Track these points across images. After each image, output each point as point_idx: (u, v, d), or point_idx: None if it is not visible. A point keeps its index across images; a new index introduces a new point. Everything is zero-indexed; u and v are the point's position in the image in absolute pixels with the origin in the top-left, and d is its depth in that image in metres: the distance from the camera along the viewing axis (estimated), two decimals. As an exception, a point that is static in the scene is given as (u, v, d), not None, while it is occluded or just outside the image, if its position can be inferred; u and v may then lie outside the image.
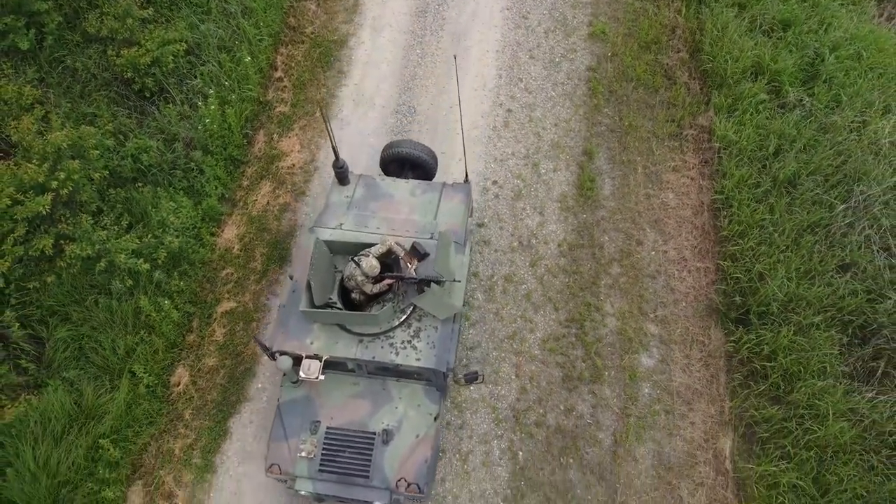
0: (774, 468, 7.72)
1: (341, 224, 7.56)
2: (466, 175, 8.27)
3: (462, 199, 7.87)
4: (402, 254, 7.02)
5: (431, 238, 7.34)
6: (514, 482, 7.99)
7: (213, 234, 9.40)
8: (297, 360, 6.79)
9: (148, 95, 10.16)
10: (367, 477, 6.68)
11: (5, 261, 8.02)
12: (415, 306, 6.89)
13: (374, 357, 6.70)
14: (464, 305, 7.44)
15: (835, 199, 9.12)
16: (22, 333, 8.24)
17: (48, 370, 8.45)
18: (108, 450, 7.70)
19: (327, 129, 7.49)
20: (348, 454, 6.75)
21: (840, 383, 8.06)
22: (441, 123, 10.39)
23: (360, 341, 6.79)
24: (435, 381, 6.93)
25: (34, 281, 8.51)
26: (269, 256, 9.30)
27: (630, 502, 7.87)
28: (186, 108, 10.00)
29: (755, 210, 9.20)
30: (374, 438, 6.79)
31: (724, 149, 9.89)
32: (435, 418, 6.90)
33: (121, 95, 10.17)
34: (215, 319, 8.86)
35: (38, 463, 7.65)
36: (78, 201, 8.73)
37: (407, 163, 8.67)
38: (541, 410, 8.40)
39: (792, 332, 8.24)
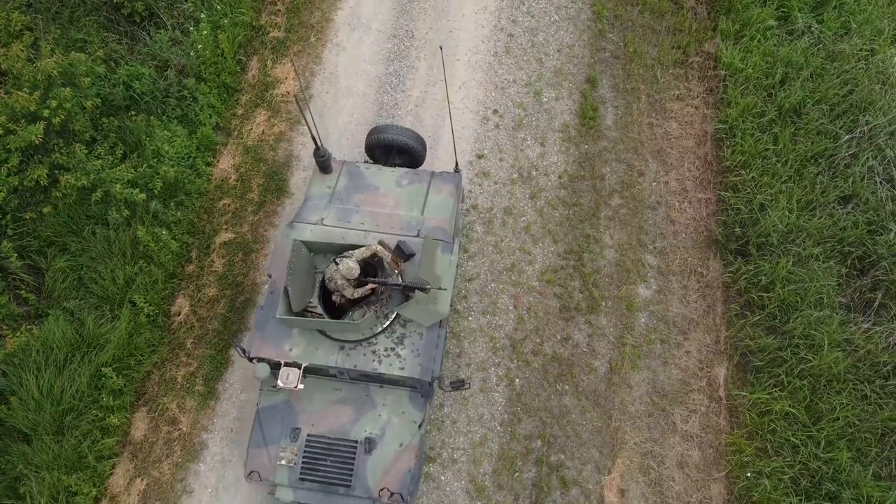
0: (767, 396, 7.86)
1: (322, 219, 7.07)
2: (457, 164, 7.74)
3: (451, 191, 7.36)
4: (387, 257, 6.60)
5: (417, 236, 6.92)
6: (511, 407, 8.15)
7: (208, 165, 9.28)
8: (277, 366, 6.48)
9: (138, 20, 9.85)
10: (349, 486, 6.49)
11: (0, 191, 7.94)
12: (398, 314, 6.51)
13: (355, 365, 6.38)
14: (451, 307, 6.93)
15: (840, 129, 8.97)
16: (20, 264, 8.25)
17: (48, 300, 8.50)
18: (111, 378, 7.81)
19: (306, 120, 7.04)
20: (330, 463, 6.51)
21: (836, 314, 8.12)
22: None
23: (342, 348, 6.46)
24: (420, 387, 6.62)
25: (30, 212, 8.47)
26: (266, 187, 9.21)
27: (624, 427, 8.05)
28: (178, 34, 9.71)
29: (759, 140, 9.05)
30: (356, 447, 6.53)
31: (730, 76, 9.65)
32: (419, 426, 6.60)
33: (111, 21, 9.86)
34: (214, 250, 8.85)
35: (42, 391, 7.77)
36: (71, 130, 8.58)
37: (393, 148, 8.04)
38: (538, 340, 8.49)
39: (791, 263, 8.24)
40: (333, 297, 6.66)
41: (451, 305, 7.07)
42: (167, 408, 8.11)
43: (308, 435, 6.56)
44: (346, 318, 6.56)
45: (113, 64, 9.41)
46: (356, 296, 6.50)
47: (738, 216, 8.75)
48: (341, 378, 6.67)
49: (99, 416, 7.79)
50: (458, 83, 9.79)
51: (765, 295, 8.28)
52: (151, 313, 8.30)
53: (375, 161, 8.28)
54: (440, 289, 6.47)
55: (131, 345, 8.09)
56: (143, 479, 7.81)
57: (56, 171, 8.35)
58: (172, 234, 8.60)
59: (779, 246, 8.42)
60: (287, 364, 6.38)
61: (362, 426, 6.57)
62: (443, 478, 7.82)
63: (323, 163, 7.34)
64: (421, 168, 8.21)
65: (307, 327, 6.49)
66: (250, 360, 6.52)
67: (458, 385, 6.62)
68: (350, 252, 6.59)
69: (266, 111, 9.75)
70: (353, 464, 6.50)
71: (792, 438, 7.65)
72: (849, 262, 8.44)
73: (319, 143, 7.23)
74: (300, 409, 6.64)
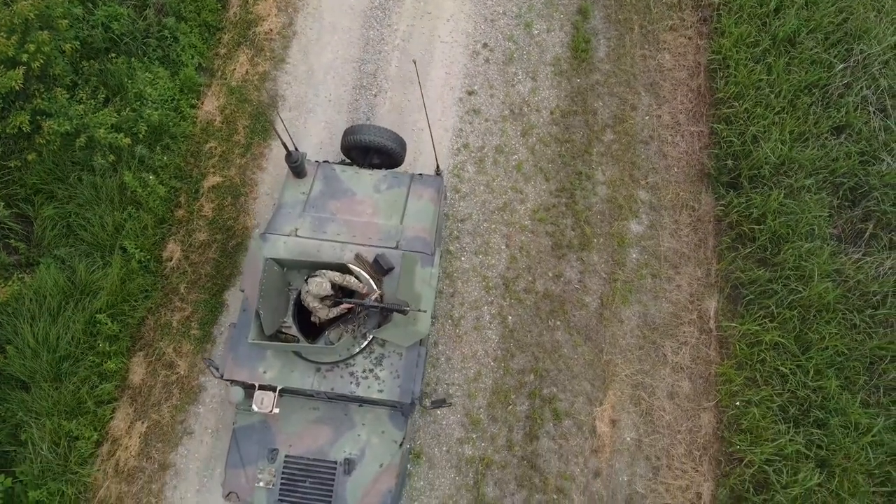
0: (758, 327, 7.96)
1: (296, 229, 6.62)
2: (437, 166, 7.26)
3: (432, 195, 6.91)
4: (360, 288, 6.15)
5: (397, 247, 6.51)
6: (504, 344, 8.25)
7: (192, 107, 9.10)
8: (251, 388, 6.23)
9: (112, -43, 9.49)
10: None
11: (-18, 139, 7.82)
12: (378, 326, 6.23)
13: (332, 388, 6.11)
14: (432, 324, 6.56)
15: (834, 58, 8.83)
16: (8, 213, 8.16)
17: (38, 249, 8.45)
18: (106, 324, 7.84)
19: (277, 133, 6.70)
20: (309, 484, 6.33)
21: (827, 245, 8.16)
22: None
23: (318, 370, 6.17)
24: (400, 406, 6.39)
25: (15, 160, 8.32)
26: (253, 129, 9.06)
27: (615, 360, 8.18)
28: (155, -29, 9.37)
29: (752, 70, 8.90)
30: (335, 468, 6.34)
31: (724, 5, 9.43)
32: (400, 445, 6.42)
33: (84, -42, 9.49)
34: (202, 194, 8.76)
35: (38, 339, 7.80)
36: (51, 75, 8.36)
37: (371, 149, 7.60)
38: (530, 278, 8.52)
39: (782, 195, 8.22)
40: (312, 318, 6.31)
41: (432, 323, 6.63)
42: (164, 352, 8.18)
43: (286, 456, 6.37)
44: (322, 338, 6.23)
45: (90, 4, 9.10)
46: (331, 316, 6.15)
47: (731, 149, 8.68)
48: (319, 397, 6.44)
49: (96, 361, 7.85)
50: (446, 16, 9.53)
51: (756, 227, 8.29)
52: (143, 259, 8.27)
53: (353, 161, 7.84)
54: (419, 310, 6.17)
55: (124, 291, 8.09)
56: (143, 423, 7.93)
57: (38, 118, 8.17)
58: (160, 178, 8.50)
59: (771, 178, 8.38)
60: (262, 387, 6.13)
61: (341, 446, 6.36)
62: (439, 412, 7.97)
63: (296, 168, 6.84)
64: (401, 169, 7.69)
65: (281, 350, 6.19)
66: (224, 380, 6.29)
67: (440, 403, 6.48)
68: (322, 271, 6.14)
69: (249, 50, 9.51)
70: (332, 485, 6.32)
71: (781, 368, 7.79)
72: (840, 193, 8.42)
73: (293, 148, 6.75)
74: (277, 429, 6.42)
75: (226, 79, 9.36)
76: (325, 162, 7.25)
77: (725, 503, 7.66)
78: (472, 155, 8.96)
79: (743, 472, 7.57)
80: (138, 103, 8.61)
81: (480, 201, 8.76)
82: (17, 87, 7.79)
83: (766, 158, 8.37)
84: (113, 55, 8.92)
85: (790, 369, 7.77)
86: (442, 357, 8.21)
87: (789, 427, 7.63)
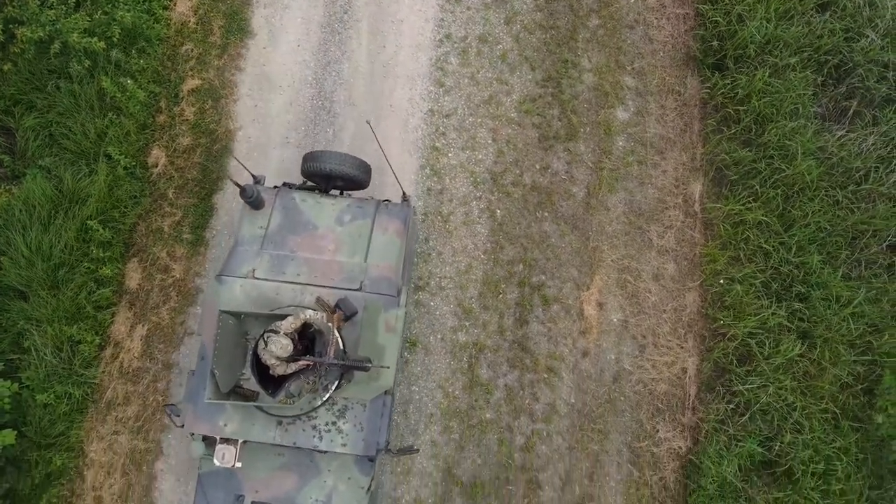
0: (742, 207, 8.10)
1: (253, 270, 6.17)
2: (403, 192, 6.83)
3: (398, 228, 6.44)
4: (321, 323, 5.77)
5: (360, 289, 6.11)
6: (493, 237, 8.37)
7: (165, 8, 8.82)
8: (213, 441, 6.03)
9: None
10: None
11: (-47, 49, 7.63)
12: (339, 381, 5.91)
13: (294, 442, 5.92)
14: (396, 375, 6.20)
15: (822, -69, 8.60)
16: (-12, 125, 8.09)
17: (23, 160, 8.40)
18: (98, 230, 7.89)
19: (230, 176, 6.33)
20: None
21: (811, 123, 8.20)
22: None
23: (279, 423, 5.95)
24: None
25: (-11, 70, 8.19)
26: (228, 29, 8.83)
27: (602, 247, 8.33)
28: None
29: (738, -53, 8.69)
30: None
31: None
32: (367, 490, 6.22)
33: None
34: (183, 98, 8.64)
35: (31, 248, 7.86)
36: (18, -19, 8.10)
37: (333, 176, 7.04)
38: (517, 171, 8.56)
39: (767, 74, 8.18)
40: (271, 372, 5.90)
41: (397, 373, 6.31)
42: (158, 257, 8.27)
43: (253, 502, 6.17)
44: (283, 390, 5.86)
45: None
46: (289, 372, 5.80)
47: (716, 29, 8.56)
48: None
49: (91, 268, 7.94)
50: None
51: (741, 108, 8.29)
52: (128, 165, 8.24)
53: (315, 184, 7.28)
54: (382, 366, 5.88)
55: (113, 197, 8.10)
56: (143, 326, 8.11)
57: (11, 26, 7.99)
58: (138, 83, 8.36)
59: (756, 58, 8.32)
60: (223, 440, 5.93)
61: (307, 494, 6.15)
62: (432, 304, 8.17)
63: (252, 203, 6.35)
64: (366, 196, 7.16)
65: (238, 408, 5.96)
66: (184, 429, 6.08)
67: (407, 450, 6.43)
68: (278, 325, 5.66)
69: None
70: None
71: (764, 245, 7.97)
72: (825, 70, 8.39)
73: (241, 186, 6.14)
74: (243, 475, 6.21)
75: (197, -23, 9.06)
76: (284, 186, 6.77)
77: (710, 376, 7.99)
78: (455, 46, 8.81)
79: (727, 345, 7.87)
80: (110, 6, 8.36)
81: (465, 95, 8.69)
82: (-15, -5, 7.58)
83: (751, 38, 8.28)
84: (79, -44, 8.61)
85: (773, 246, 7.95)
86: (433, 252, 8.34)
87: (772, 302, 7.88)
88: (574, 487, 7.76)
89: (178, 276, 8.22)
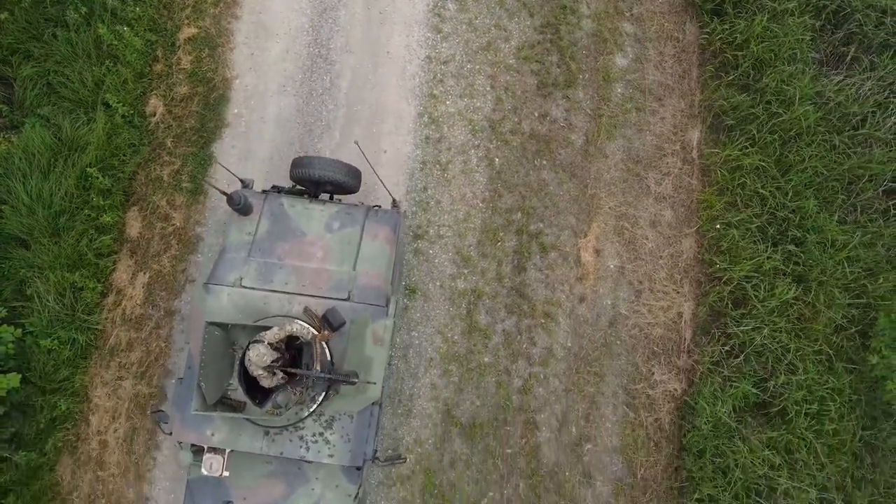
0: (739, 152, 8.12)
1: (241, 279, 6.07)
2: (393, 199, 6.71)
3: (388, 235, 6.34)
4: (308, 336, 5.70)
5: (349, 298, 6.01)
6: (492, 185, 8.41)
7: (161, -45, 8.79)
8: (200, 450, 6.04)
9: None
10: None
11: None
12: (326, 393, 5.86)
13: (281, 452, 5.89)
14: (385, 382, 6.10)
15: None
16: (-14, 74, 8.09)
17: (22, 110, 8.41)
18: (98, 178, 7.92)
19: (211, 185, 6.13)
20: None
21: (809, 69, 8.20)
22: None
23: (267, 433, 5.92)
24: None
25: (-14, 20, 8.16)
26: (225, -24, 8.80)
27: (600, 194, 8.38)
28: None
29: None
30: None
31: None
32: (354, 498, 6.22)
33: None
34: (179, 47, 8.61)
35: (32, 196, 7.90)
36: (10, -74, 8.05)
37: (322, 182, 6.93)
38: (516, 119, 8.57)
39: (766, 19, 8.16)
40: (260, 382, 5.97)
41: (384, 384, 6.22)
42: (158, 205, 8.31)
43: None
44: (270, 401, 5.92)
45: None
46: (272, 385, 5.80)
47: (715, -26, 8.54)
48: None
49: (91, 215, 7.99)
50: None
51: (739, 54, 8.28)
52: (127, 114, 8.24)
53: (304, 188, 7.15)
54: (368, 382, 5.82)
55: (112, 145, 8.12)
56: (145, 273, 8.18)
57: (6, -26, 7.98)
58: (134, 31, 8.33)
59: (754, 2, 8.30)
60: (210, 449, 5.93)
61: (295, 501, 6.15)
62: (431, 252, 8.24)
63: (240, 210, 6.23)
64: (355, 201, 6.95)
65: (225, 418, 5.90)
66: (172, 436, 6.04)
67: (394, 459, 6.41)
68: (262, 335, 5.65)
69: None
70: None
71: (761, 190, 8.01)
72: (823, 16, 8.37)
73: (229, 195, 5.99)
74: (231, 482, 6.21)
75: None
76: (273, 190, 6.67)
77: (705, 319, 8.09)
78: (453, -7, 8.77)
79: (722, 289, 7.95)
80: (103, -49, 8.33)
81: (463, 41, 8.66)
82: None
83: (750, -19, 8.26)
84: None
85: (770, 191, 8.00)
86: (432, 201, 8.38)
87: (768, 246, 7.94)
88: (570, 428, 7.90)
89: (178, 224, 8.27)
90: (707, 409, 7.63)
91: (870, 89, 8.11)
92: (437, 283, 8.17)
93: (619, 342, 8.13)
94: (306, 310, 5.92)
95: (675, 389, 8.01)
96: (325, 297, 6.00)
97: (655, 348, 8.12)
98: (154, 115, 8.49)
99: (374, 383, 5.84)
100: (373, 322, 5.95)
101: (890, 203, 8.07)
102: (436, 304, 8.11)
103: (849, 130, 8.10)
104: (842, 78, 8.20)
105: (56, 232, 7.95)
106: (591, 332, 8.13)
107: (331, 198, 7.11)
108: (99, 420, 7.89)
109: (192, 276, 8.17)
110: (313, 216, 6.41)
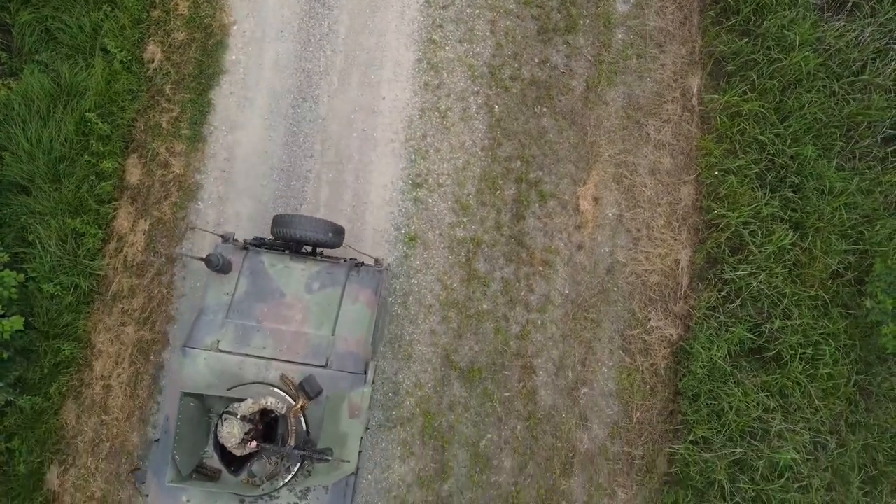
0: (738, 98, 8.10)
1: (218, 342, 5.95)
2: (376, 259, 6.62)
3: (369, 298, 6.15)
4: (282, 409, 5.61)
5: (326, 365, 5.89)
6: (491, 133, 8.40)
7: None
8: None
9: None
10: None
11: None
12: (302, 463, 5.76)
13: None
14: (360, 455, 5.96)
15: None
16: (-17, 21, 8.04)
17: (20, 56, 8.38)
18: (97, 124, 7.92)
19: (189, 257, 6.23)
20: None
21: (810, 14, 8.13)
22: None
23: (242, 502, 5.83)
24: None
25: (-19, -36, 8.10)
26: (221, -80, 8.70)
27: (599, 141, 8.38)
28: None
29: None
30: None
31: None
32: None
33: None
34: (177, -8, 8.57)
35: (32, 142, 7.92)
36: None
37: (303, 242, 6.74)
38: (516, 65, 8.53)
39: (768, -37, 8.10)
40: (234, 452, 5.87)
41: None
42: (157, 152, 8.32)
43: None
44: (244, 470, 5.87)
45: None
46: (244, 454, 5.68)
47: (719, -82, 8.44)
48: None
49: (92, 161, 8.01)
50: None
51: (740, -2, 8.23)
52: (125, 60, 8.21)
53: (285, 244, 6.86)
54: (342, 461, 5.68)
55: (111, 91, 8.10)
56: (146, 220, 8.22)
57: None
58: (131, -25, 8.29)
59: (757, -54, 8.22)
60: None
61: None
62: (430, 200, 8.26)
63: (220, 270, 6.10)
64: (337, 261, 6.57)
65: (200, 489, 5.79)
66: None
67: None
68: (236, 406, 5.55)
69: None
70: None
71: (760, 137, 8.01)
72: (827, -40, 8.30)
73: (221, 236, 6.10)
74: None
75: None
76: (253, 244, 6.47)
77: (702, 266, 8.15)
78: (452, -62, 8.68)
79: (719, 236, 7.99)
80: None
81: (462, -14, 8.60)
82: None
83: (754, -76, 8.16)
84: None
85: (769, 138, 7.99)
86: (431, 149, 8.38)
87: (766, 193, 7.96)
88: (567, 373, 8.00)
89: (178, 171, 8.29)
90: (703, 353, 7.72)
91: (870, 35, 8.06)
92: (437, 232, 8.20)
93: (616, 289, 8.19)
94: (283, 377, 5.83)
95: (671, 335, 8.09)
96: (302, 364, 5.90)
97: (652, 295, 8.19)
98: (152, 62, 8.46)
99: (348, 462, 5.69)
100: (350, 391, 5.83)
101: (888, 150, 8.06)
102: (435, 252, 8.16)
103: (848, 77, 8.06)
104: (842, 24, 8.14)
105: (56, 178, 7.98)
106: (588, 279, 8.19)
107: (314, 251, 6.87)
108: (102, 365, 8.00)
109: (193, 222, 8.20)
110: (294, 276, 6.24)
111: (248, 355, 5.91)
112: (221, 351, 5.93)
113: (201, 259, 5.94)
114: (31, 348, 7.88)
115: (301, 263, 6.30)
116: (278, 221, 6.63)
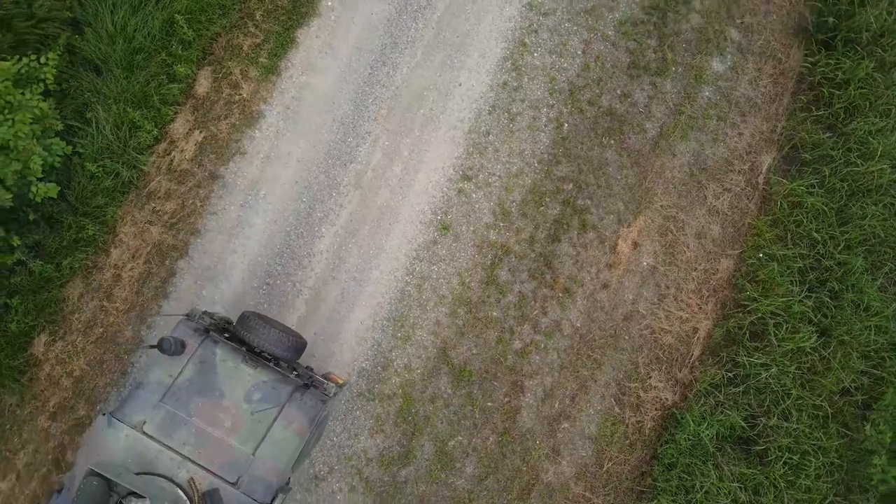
0: (805, 190, 7.96)
1: (144, 422, 5.75)
2: (337, 381, 6.46)
3: (302, 427, 5.96)
4: None
5: (235, 484, 5.64)
6: (553, 149, 8.37)
7: None
8: None
9: None
10: None
11: None
12: None
13: None
14: None
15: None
16: None
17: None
18: (183, 27, 8.04)
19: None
20: None
21: (899, 129, 7.97)
22: None
23: None
24: None
25: None
26: None
27: (656, 189, 8.30)
28: None
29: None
30: None
31: None
32: None
33: None
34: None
35: (116, 27, 8.04)
36: None
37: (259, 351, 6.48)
38: (597, 90, 8.47)
39: (872, 66, 7.94)
40: None
41: None
42: (231, 72, 8.42)
43: None
44: None
45: None
46: None
47: (836, 6, 8.30)
48: None
49: (167, 61, 8.14)
50: None
51: (836, 92, 8.07)
52: (226, -28, 8.33)
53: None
54: None
55: (204, 0, 8.22)
56: (201, 132, 8.33)
57: None
58: None
59: (866, 46, 8.06)
60: None
61: None
62: (474, 196, 8.26)
63: (173, 353, 5.92)
64: (289, 374, 6.34)
65: None
66: None
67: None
68: (134, 502, 5.35)
69: None
70: None
71: (815, 234, 7.87)
72: (932, 81, 8.10)
73: (186, 315, 6.03)
74: None
75: None
76: (215, 330, 6.34)
77: (719, 342, 8.03)
78: (574, -50, 8.63)
79: (744, 318, 7.88)
80: None
81: None
82: None
83: (867, 24, 8.00)
84: None
85: (822, 237, 7.85)
86: (490, 147, 8.37)
87: (803, 290, 7.82)
88: (554, 403, 7.96)
89: (245, 95, 8.38)
90: (691, 426, 7.62)
91: (955, 168, 7.87)
92: (471, 228, 8.20)
93: (627, 337, 8.12)
94: (191, 481, 5.67)
95: (667, 399, 8.00)
96: (214, 474, 5.70)
97: (661, 354, 8.10)
98: (250, -16, 8.55)
99: None
100: None
101: (937, 286, 7.89)
102: (463, 247, 8.16)
103: (919, 202, 7.90)
104: (930, 148, 7.97)
105: (130, 67, 8.11)
106: (603, 319, 8.13)
107: (274, 357, 6.50)
108: (119, 255, 8.13)
109: (245, 148, 8.29)
110: (240, 379, 6.05)
111: (168, 447, 5.74)
112: (145, 433, 5.75)
113: (153, 346, 5.83)
114: (57, 218, 8.03)
115: (251, 368, 6.13)
116: (242, 320, 6.43)
